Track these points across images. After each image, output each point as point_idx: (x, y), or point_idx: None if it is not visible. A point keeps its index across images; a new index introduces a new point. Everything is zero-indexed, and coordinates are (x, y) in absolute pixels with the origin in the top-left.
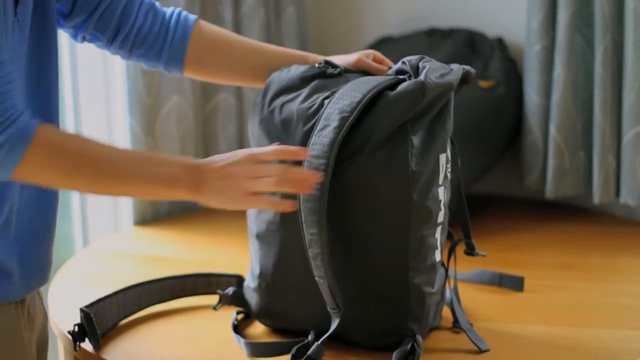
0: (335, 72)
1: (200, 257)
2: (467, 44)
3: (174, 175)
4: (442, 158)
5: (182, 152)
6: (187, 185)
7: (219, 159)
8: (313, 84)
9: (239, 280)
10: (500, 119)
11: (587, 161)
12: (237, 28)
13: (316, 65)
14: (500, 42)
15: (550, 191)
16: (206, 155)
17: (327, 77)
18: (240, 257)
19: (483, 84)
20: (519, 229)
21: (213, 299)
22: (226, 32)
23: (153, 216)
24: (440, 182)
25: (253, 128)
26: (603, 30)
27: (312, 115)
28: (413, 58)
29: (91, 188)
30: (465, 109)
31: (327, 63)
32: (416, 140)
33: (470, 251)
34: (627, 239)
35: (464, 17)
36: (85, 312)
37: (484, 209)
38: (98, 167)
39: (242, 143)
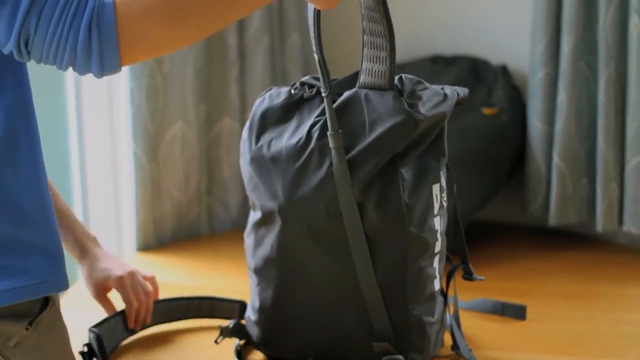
0: (312, 93)
1: (204, 284)
2: (471, 71)
3: None
4: (436, 188)
5: (186, 179)
6: None
7: None
8: (296, 114)
9: (241, 306)
10: (503, 146)
11: (590, 189)
12: (242, 54)
13: (292, 91)
14: (504, 69)
15: (553, 218)
16: (210, 181)
17: (306, 100)
18: (243, 284)
19: (487, 111)
20: (521, 257)
21: (216, 322)
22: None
23: (156, 242)
24: (436, 212)
25: (244, 167)
26: (607, 58)
27: (301, 150)
28: (411, 79)
29: (200, 28)
30: (469, 136)
31: (303, 84)
32: (407, 173)
33: (468, 276)
34: (631, 267)
35: (468, 44)
36: (95, 333)
37: (487, 237)
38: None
39: None
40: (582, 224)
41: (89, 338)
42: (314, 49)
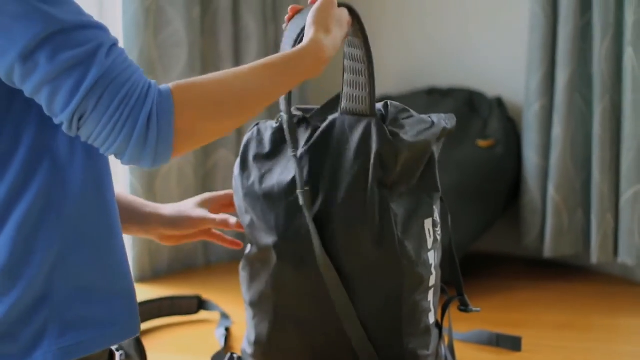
0: (300, 118)
1: (199, 314)
2: (466, 103)
3: (309, 60)
4: (428, 223)
5: None
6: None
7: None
8: (285, 147)
9: (199, 301)
10: (499, 178)
11: (585, 221)
12: None
13: (276, 123)
14: (499, 102)
15: (548, 250)
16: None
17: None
18: (238, 315)
19: (482, 143)
20: (517, 288)
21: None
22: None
23: (152, 274)
24: (430, 246)
25: (238, 202)
26: (602, 90)
27: (293, 185)
28: (396, 106)
29: (247, 116)
30: (464, 168)
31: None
32: (399, 208)
33: (464, 308)
34: (626, 299)
35: (464, 77)
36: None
37: (483, 268)
38: (244, 98)
39: None
40: (578, 256)
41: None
42: (282, 108)
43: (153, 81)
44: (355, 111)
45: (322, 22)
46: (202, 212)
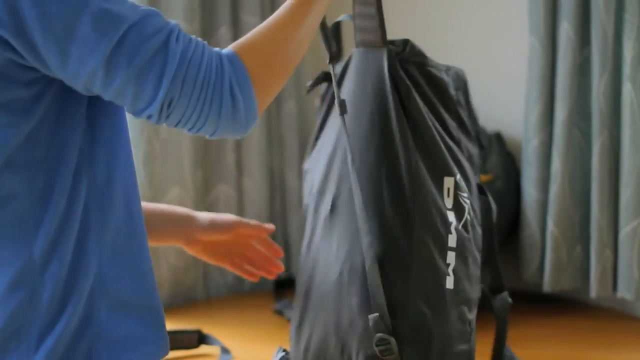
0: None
1: (199, 348)
2: None
3: None
4: (449, 181)
5: None
6: None
7: None
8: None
9: (199, 335)
10: (498, 212)
11: (584, 255)
12: None
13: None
14: (498, 137)
15: (547, 285)
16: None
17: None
18: (238, 348)
19: (481, 177)
20: (516, 323)
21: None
22: None
23: None
24: (449, 206)
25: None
26: (600, 125)
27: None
28: (413, 46)
29: (300, 45)
30: None
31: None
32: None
33: None
34: (625, 334)
35: None
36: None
37: (481, 301)
38: (291, 38)
39: None
40: (576, 290)
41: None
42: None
43: (218, 50)
44: (368, 42)
45: None
46: (236, 217)
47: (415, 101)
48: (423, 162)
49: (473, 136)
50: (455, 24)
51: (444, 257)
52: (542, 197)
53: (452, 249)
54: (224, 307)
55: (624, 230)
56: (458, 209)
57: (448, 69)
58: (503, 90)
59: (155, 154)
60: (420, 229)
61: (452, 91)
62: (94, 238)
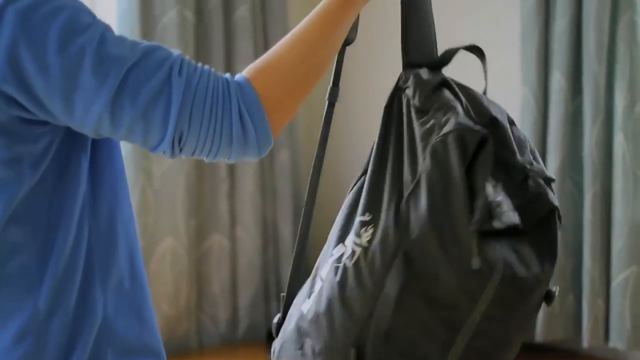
0: None
1: None
2: None
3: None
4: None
5: (176, 293)
6: None
7: None
8: None
9: None
10: None
11: (576, 305)
12: (232, 171)
13: None
14: None
15: (540, 334)
16: (199, 296)
17: None
18: None
19: None
20: None
21: None
22: None
23: None
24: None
25: None
26: (592, 175)
27: None
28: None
29: (320, 64)
30: None
31: None
32: None
33: None
34: None
35: None
36: None
37: None
38: (309, 54)
39: (235, 284)
40: (569, 340)
41: None
42: None
43: (226, 75)
44: None
45: None
46: None
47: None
48: None
49: None
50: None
51: None
52: None
53: None
54: (216, 357)
55: (616, 280)
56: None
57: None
58: None
59: (149, 204)
60: None
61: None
62: (98, 285)
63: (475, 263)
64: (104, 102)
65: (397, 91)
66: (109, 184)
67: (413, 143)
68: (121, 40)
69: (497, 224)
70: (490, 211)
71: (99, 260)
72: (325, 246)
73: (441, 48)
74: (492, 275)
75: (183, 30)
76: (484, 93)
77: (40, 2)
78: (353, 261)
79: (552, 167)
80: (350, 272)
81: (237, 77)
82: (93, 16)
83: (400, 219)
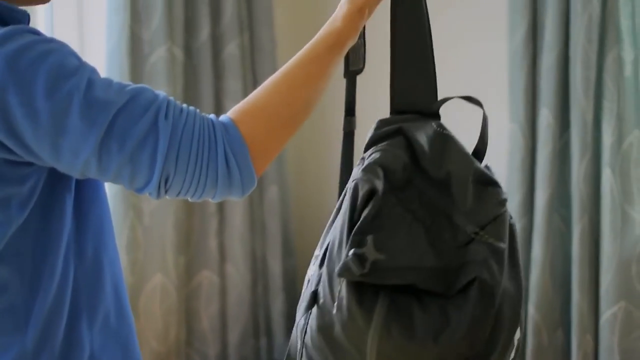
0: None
1: None
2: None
3: (343, 30)
4: None
5: (165, 330)
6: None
7: None
8: None
9: None
10: None
11: (565, 340)
12: (221, 207)
13: None
14: None
15: None
16: (189, 332)
17: None
18: None
19: None
20: None
21: None
22: None
23: None
24: None
25: None
26: (580, 210)
27: None
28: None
29: (307, 106)
30: None
31: None
32: None
33: None
34: None
35: None
36: None
37: None
38: (296, 95)
39: (225, 320)
40: None
41: None
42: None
43: (211, 116)
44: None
45: None
46: None
47: None
48: None
49: None
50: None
51: None
52: (523, 282)
53: None
54: None
55: (605, 315)
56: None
57: None
58: None
59: (138, 240)
60: None
61: None
62: (85, 323)
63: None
64: (92, 146)
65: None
66: (94, 223)
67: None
68: (108, 83)
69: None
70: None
71: (85, 298)
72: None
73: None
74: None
75: (172, 68)
76: (483, 144)
77: (28, 46)
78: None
79: (540, 202)
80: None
81: (222, 118)
82: (80, 59)
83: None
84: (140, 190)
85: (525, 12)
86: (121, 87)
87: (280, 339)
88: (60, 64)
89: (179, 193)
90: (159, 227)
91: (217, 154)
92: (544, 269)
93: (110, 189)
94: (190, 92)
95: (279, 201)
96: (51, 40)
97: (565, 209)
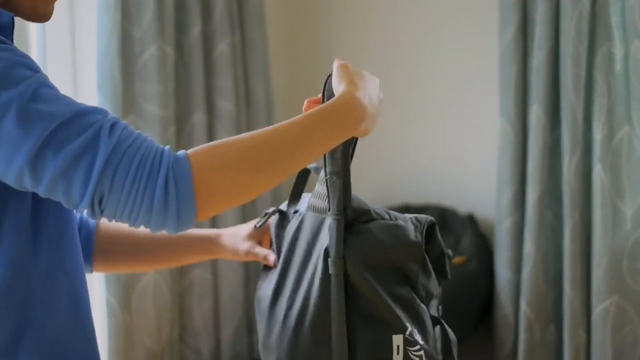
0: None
1: None
2: (438, 220)
3: (345, 117)
4: (398, 339)
5: (159, 327)
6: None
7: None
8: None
9: None
10: (471, 293)
11: (557, 335)
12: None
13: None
14: (471, 218)
15: None
16: (182, 329)
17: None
18: None
19: (455, 259)
20: None
21: None
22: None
23: None
24: None
25: None
26: (572, 206)
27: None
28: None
29: (277, 172)
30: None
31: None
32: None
33: None
34: None
35: (436, 194)
36: None
37: None
38: (273, 149)
39: (218, 317)
40: None
41: None
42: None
43: (167, 147)
44: (318, 209)
45: (346, 77)
46: (249, 245)
47: (357, 267)
48: (363, 328)
49: (432, 276)
50: (430, 108)
51: None
52: (515, 278)
53: None
54: None
55: (597, 310)
56: None
57: (405, 218)
58: (476, 172)
59: None
60: None
61: (412, 237)
62: (28, 339)
63: None
64: (26, 155)
65: None
66: (51, 234)
67: None
68: (57, 98)
69: None
70: None
71: (38, 311)
72: None
73: (422, 72)
74: None
75: (163, 66)
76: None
77: None
78: None
79: (531, 198)
80: None
81: (180, 152)
82: (32, 70)
83: None
84: (75, 206)
85: (516, 8)
86: (71, 103)
87: None
88: (3, 74)
89: (115, 214)
90: None
91: (158, 179)
92: (535, 264)
93: None
94: (181, 90)
95: (271, 202)
96: (4, 50)
97: (557, 204)
